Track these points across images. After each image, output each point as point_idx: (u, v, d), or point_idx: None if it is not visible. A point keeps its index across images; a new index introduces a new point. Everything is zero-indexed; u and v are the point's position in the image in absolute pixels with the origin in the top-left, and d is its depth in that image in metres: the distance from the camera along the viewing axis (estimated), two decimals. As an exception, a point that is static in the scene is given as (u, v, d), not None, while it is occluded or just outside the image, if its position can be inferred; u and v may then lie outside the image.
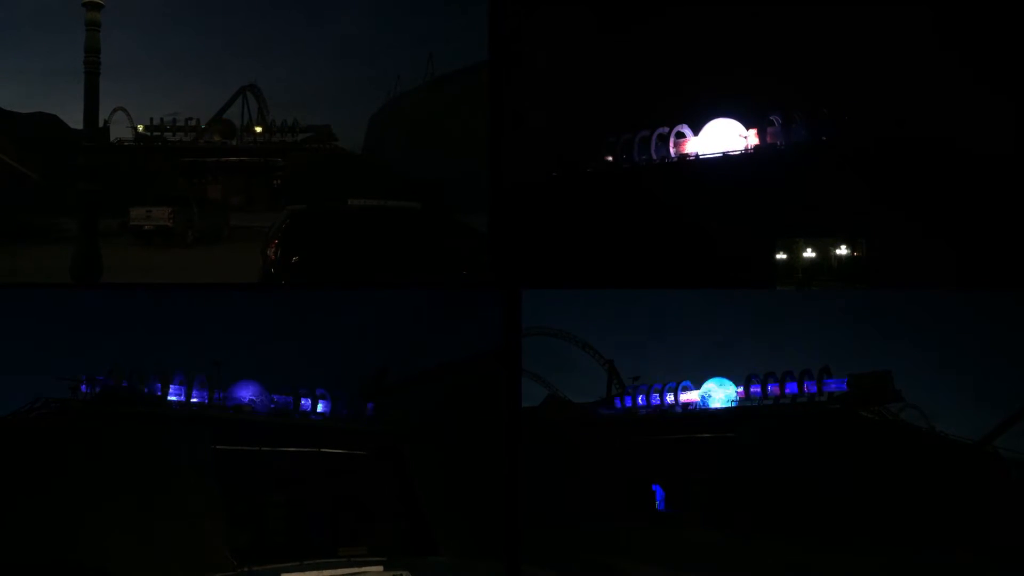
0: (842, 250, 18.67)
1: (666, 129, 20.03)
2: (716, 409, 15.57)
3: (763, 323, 17.80)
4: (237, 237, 31.13)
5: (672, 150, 20.00)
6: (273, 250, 13.01)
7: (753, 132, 18.74)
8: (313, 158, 52.45)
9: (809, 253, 19.19)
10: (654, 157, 20.13)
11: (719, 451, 14.79)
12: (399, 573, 12.99)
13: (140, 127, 49.88)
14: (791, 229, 18.12)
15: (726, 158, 18.83)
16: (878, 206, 15.40)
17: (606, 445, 15.98)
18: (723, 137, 19.27)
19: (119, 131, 52.83)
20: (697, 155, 19.56)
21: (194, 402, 13.66)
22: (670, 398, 16.38)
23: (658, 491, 15.88)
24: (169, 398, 13.37)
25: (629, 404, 17.18)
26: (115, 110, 52.19)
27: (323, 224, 13.85)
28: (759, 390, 15.26)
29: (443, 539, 13.86)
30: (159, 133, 54.32)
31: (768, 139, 18.43)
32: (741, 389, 15.72)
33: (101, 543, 11.53)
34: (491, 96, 16.12)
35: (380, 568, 13.26)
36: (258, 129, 54.37)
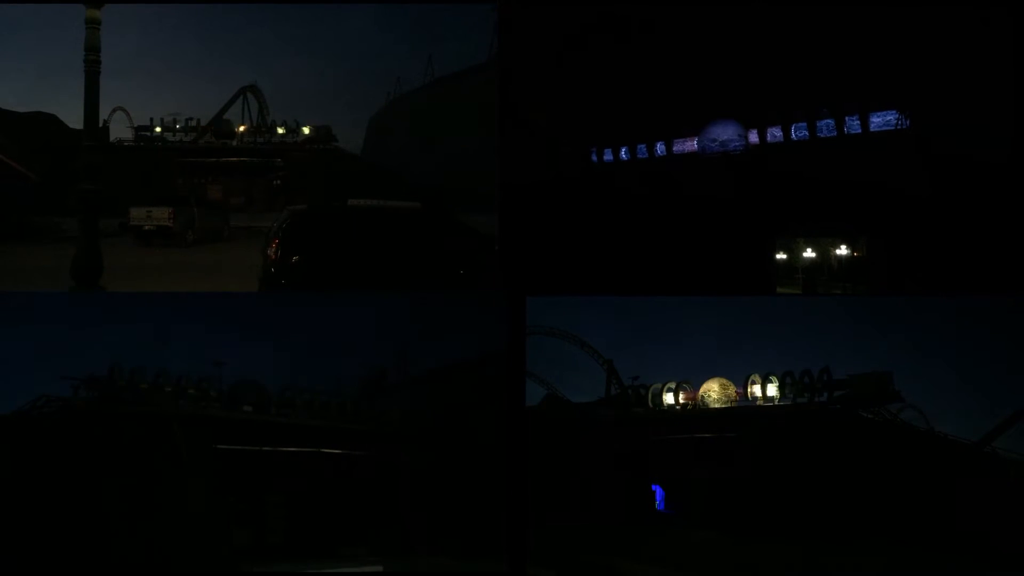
0: (842, 251, 18.71)
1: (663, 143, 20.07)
2: (716, 409, 15.56)
3: (763, 324, 17.81)
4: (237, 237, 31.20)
5: (676, 148, 20.01)
6: (273, 250, 13.02)
7: (754, 132, 18.75)
8: (313, 158, 52.55)
9: (809, 254, 19.23)
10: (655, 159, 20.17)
11: (719, 451, 14.77)
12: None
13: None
14: (791, 229, 18.15)
15: (725, 157, 18.86)
16: (879, 206, 15.42)
17: (606, 445, 15.95)
18: (723, 137, 19.29)
19: (119, 131, 52.95)
20: (696, 156, 19.58)
21: (194, 402, 13.63)
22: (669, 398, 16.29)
23: (658, 491, 15.87)
24: (170, 398, 13.34)
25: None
26: (115, 110, 52.34)
27: (323, 224, 13.87)
28: (759, 391, 15.26)
29: (443, 539, 13.87)
30: (159, 133, 54.38)
31: (768, 139, 18.44)
32: (741, 390, 15.71)
33: (101, 542, 11.54)
34: (499, 98, 16.12)
35: (380, 568, 13.27)
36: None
